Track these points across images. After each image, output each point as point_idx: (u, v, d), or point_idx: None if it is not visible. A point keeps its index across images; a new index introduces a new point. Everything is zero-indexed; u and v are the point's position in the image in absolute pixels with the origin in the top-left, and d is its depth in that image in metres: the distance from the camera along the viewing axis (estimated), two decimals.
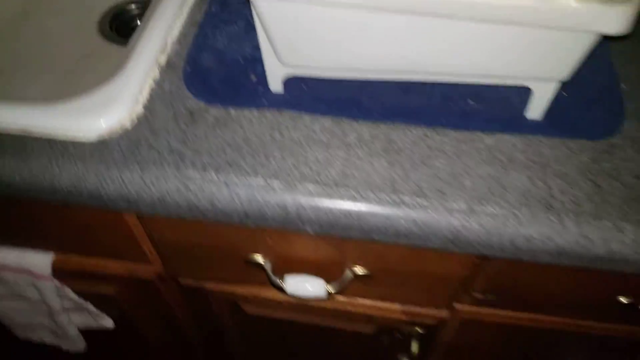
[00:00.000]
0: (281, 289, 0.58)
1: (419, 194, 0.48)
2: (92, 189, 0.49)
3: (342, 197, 0.47)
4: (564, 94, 0.56)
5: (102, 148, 0.51)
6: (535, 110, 0.53)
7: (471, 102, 0.55)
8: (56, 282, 0.73)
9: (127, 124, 0.52)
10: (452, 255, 0.54)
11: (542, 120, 0.54)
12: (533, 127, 0.53)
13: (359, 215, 0.47)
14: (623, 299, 0.58)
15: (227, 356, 0.92)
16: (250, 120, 0.53)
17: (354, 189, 0.48)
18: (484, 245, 0.48)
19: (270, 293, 0.69)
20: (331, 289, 0.58)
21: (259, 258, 0.59)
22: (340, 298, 0.67)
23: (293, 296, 0.59)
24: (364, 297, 0.66)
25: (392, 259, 0.56)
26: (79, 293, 0.77)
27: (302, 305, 0.69)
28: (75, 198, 0.51)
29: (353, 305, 0.68)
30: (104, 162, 0.50)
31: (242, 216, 0.49)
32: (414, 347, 0.71)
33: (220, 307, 0.76)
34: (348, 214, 0.47)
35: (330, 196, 0.48)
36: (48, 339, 0.90)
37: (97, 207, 0.51)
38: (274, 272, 0.59)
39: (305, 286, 0.57)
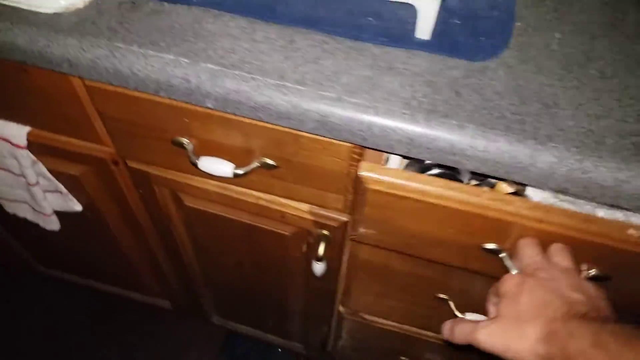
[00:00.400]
0: (196, 166, 0.68)
1: (300, 83, 0.56)
2: (42, 50, 0.60)
3: (235, 77, 0.57)
4: (458, 22, 0.63)
5: (55, 19, 0.62)
6: (422, 30, 0.61)
7: (370, 19, 0.63)
8: (31, 155, 0.85)
9: (81, 4, 0.63)
10: (338, 147, 0.62)
11: (430, 40, 0.61)
12: (418, 45, 0.61)
13: (247, 94, 0.57)
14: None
15: (177, 248, 1.03)
16: (178, 13, 0.63)
17: (247, 72, 0.57)
18: (347, 132, 0.56)
19: (200, 182, 0.79)
20: (238, 171, 0.67)
21: (183, 139, 0.69)
22: (256, 193, 0.77)
23: (205, 172, 0.69)
24: (276, 193, 0.76)
25: (292, 149, 0.65)
26: (50, 171, 0.89)
27: (229, 198, 0.79)
28: (30, 58, 0.62)
29: (267, 201, 0.77)
30: (53, 30, 0.60)
31: (155, 85, 0.59)
32: (321, 249, 0.80)
33: (163, 196, 0.87)
34: (238, 91, 0.57)
35: (226, 75, 0.57)
36: (29, 215, 1.04)
37: (46, 69, 0.62)
38: (194, 153, 0.69)
39: (215, 165, 0.67)
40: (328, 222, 0.77)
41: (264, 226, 0.84)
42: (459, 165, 0.56)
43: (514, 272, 0.56)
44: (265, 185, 0.74)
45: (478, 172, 0.56)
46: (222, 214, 0.85)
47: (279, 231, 0.84)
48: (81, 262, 1.29)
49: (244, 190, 0.78)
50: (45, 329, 1.53)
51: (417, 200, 0.58)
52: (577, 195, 0.55)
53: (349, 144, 0.61)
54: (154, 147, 0.74)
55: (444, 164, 0.57)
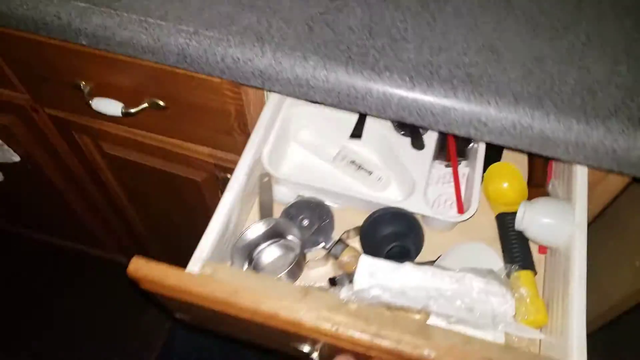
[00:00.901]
0: (90, 106, 0.73)
1: (163, 18, 0.60)
2: None
3: (102, 14, 0.60)
4: None
5: None
6: None
7: None
8: None
9: None
10: (211, 83, 0.65)
11: None
12: None
13: (113, 29, 0.60)
14: None
15: (114, 197, 1.08)
16: None
17: (114, 9, 0.60)
18: (205, 64, 0.59)
19: (111, 128, 0.83)
20: (130, 110, 0.71)
21: (80, 82, 0.73)
22: (159, 137, 0.81)
23: (97, 111, 0.73)
24: (175, 135, 0.80)
25: (173, 88, 0.68)
26: None
27: (137, 142, 0.84)
28: None
29: (171, 144, 0.81)
30: None
31: (33, 23, 0.63)
32: None
33: (86, 144, 0.91)
34: (104, 27, 0.60)
35: (93, 12, 0.60)
36: None
37: None
38: (90, 95, 0.73)
39: (105, 105, 0.71)
40: (229, 165, 0.81)
41: (176, 172, 0.88)
42: (309, 98, 0.59)
43: None
44: (163, 127, 0.78)
45: (326, 104, 0.59)
46: (139, 160, 0.89)
47: (191, 177, 0.88)
48: (35, 216, 1.36)
49: (147, 134, 0.82)
50: (7, 286, 1.59)
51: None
52: (415, 123, 0.57)
53: (219, 79, 0.64)
54: (60, 91, 0.78)
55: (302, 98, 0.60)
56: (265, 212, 0.67)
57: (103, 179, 1.02)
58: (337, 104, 0.58)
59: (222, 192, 0.87)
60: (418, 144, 0.69)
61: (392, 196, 0.70)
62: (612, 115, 0.52)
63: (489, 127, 0.54)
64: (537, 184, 0.70)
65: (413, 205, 0.64)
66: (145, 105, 0.72)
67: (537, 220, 0.61)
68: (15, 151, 1.01)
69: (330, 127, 0.73)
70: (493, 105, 0.53)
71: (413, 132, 0.70)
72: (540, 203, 0.62)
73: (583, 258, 0.55)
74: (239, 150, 0.77)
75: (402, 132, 0.71)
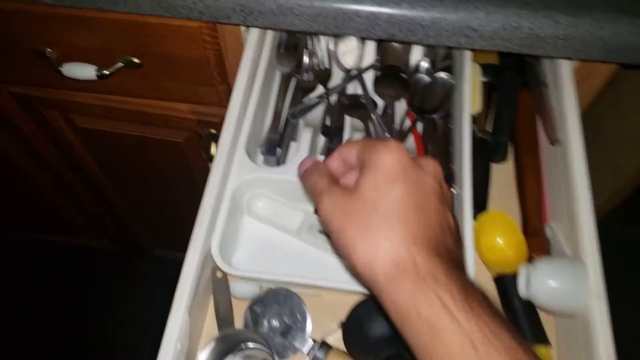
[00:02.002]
0: (60, 73, 0.69)
1: None
2: None
3: None
4: None
5: None
6: None
7: None
8: None
9: None
10: (187, 30, 0.63)
11: None
12: None
13: None
14: None
15: (88, 176, 1.04)
16: None
17: None
18: (182, 6, 0.57)
19: (81, 97, 0.80)
20: (104, 72, 0.68)
21: (45, 49, 0.69)
22: (135, 100, 0.78)
23: (69, 77, 0.69)
24: (152, 95, 0.77)
25: (145, 40, 0.65)
26: None
27: (112, 109, 0.80)
28: None
29: (147, 106, 0.79)
30: None
31: None
32: (213, 149, 0.81)
33: (55, 120, 0.87)
34: None
35: None
36: None
37: None
38: (57, 61, 0.69)
39: (78, 69, 0.68)
40: (211, 119, 0.79)
41: (155, 136, 0.86)
42: (295, 27, 0.57)
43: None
44: (139, 88, 0.75)
45: (311, 31, 0.58)
46: (114, 129, 0.86)
47: (171, 139, 0.86)
48: (5, 209, 1.30)
49: (122, 98, 0.79)
50: None
51: None
52: (405, 39, 0.57)
53: (196, 23, 0.62)
54: (23, 63, 0.73)
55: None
56: (223, 316, 0.53)
57: (76, 158, 0.98)
58: (324, 30, 0.57)
59: (207, 149, 0.86)
60: None
61: None
62: (598, 4, 0.53)
63: (479, 33, 0.54)
64: (534, 232, 0.59)
65: None
66: (120, 64, 0.68)
67: (545, 286, 0.51)
68: None
69: (288, 192, 0.60)
70: (482, 9, 0.53)
71: None
72: (545, 264, 0.52)
73: (607, 331, 0.48)
74: (220, 102, 0.76)
75: None
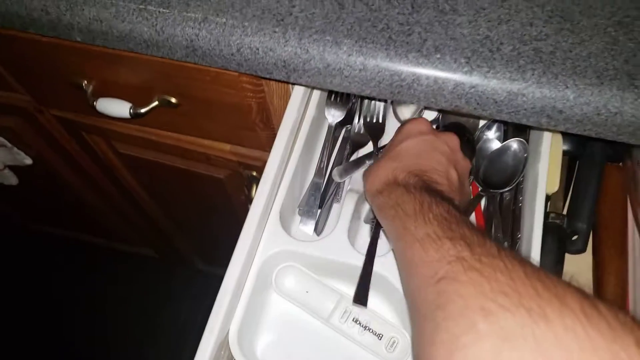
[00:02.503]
0: (94, 108, 0.65)
1: (165, 5, 0.51)
2: None
3: (95, 5, 0.51)
4: None
5: None
6: None
7: None
8: None
9: None
10: (227, 77, 0.57)
11: None
12: None
13: (109, 22, 0.52)
14: None
15: (132, 195, 1.02)
16: None
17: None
18: (218, 57, 0.51)
19: (122, 128, 0.76)
20: (139, 110, 0.63)
21: (81, 81, 0.65)
22: (175, 135, 0.73)
23: (102, 113, 0.65)
24: (192, 133, 0.72)
25: (184, 83, 0.60)
26: None
27: (152, 142, 0.76)
28: None
29: (189, 142, 0.74)
30: None
31: (18, 19, 0.54)
32: (253, 191, 0.76)
33: (97, 144, 0.84)
34: (99, 19, 0.52)
35: (85, 3, 0.52)
36: None
37: None
38: (92, 95, 0.65)
39: (112, 106, 0.63)
40: (252, 162, 0.73)
41: (197, 170, 0.81)
42: (343, 89, 0.50)
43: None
44: (178, 125, 0.70)
45: (363, 95, 0.50)
46: (156, 159, 0.82)
47: (213, 175, 0.81)
48: (53, 214, 1.31)
49: (162, 132, 0.74)
50: (37, 285, 1.58)
51: None
52: (474, 112, 0.48)
53: (236, 73, 0.56)
54: (62, 92, 0.70)
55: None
56: None
57: (120, 178, 0.95)
58: (377, 95, 0.49)
59: (248, 189, 0.80)
60: None
61: None
62: None
63: (565, 115, 0.45)
64: None
65: None
66: (156, 103, 0.63)
67: None
68: (26, 154, 0.95)
69: (323, 268, 0.54)
70: (571, 87, 0.44)
71: None
72: None
73: None
74: (263, 147, 0.70)
75: None
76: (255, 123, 0.64)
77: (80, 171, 0.97)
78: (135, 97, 0.64)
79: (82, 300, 1.54)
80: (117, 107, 0.63)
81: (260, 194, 0.52)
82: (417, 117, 0.55)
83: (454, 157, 0.50)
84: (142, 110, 0.63)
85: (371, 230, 0.57)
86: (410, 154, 0.48)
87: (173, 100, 0.63)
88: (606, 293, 0.51)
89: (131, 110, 0.63)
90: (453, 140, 0.51)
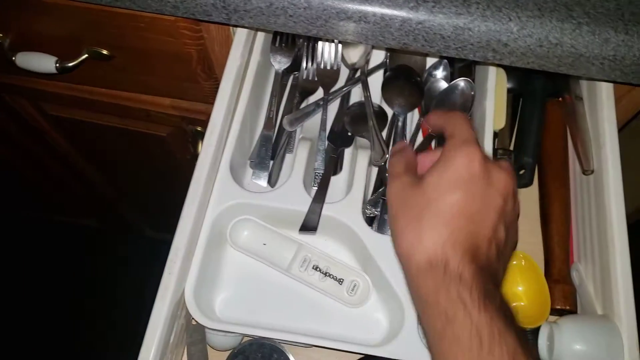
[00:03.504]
0: (13, 64, 0.59)
1: None
2: None
3: None
4: None
5: None
6: None
7: None
8: None
9: None
10: (163, 23, 0.53)
11: None
12: None
13: None
14: None
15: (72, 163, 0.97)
16: None
17: None
18: None
19: (49, 86, 0.70)
20: (65, 64, 0.58)
21: None
22: (111, 92, 0.69)
23: (23, 69, 0.59)
24: (129, 89, 0.68)
25: (116, 32, 0.56)
26: None
27: (85, 100, 0.71)
28: None
29: (126, 99, 0.69)
30: None
31: None
32: (199, 147, 0.73)
33: (24, 107, 0.78)
34: None
35: None
36: None
37: None
38: (11, 49, 0.60)
39: (35, 60, 0.58)
40: (196, 117, 0.70)
41: (137, 129, 0.77)
42: (288, 30, 0.48)
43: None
44: (113, 80, 0.66)
45: (309, 35, 0.48)
46: (91, 120, 0.77)
47: (155, 133, 0.77)
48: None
49: (96, 89, 0.69)
50: None
51: None
52: (421, 50, 0.47)
53: (172, 18, 0.52)
54: None
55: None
56: None
57: (52, 144, 0.89)
58: (324, 35, 0.47)
59: (193, 146, 0.77)
60: None
61: (373, 313, 0.51)
62: None
63: (510, 48, 0.45)
64: (559, 277, 0.51)
65: (406, 349, 0.45)
66: (85, 56, 0.59)
67: (569, 351, 0.44)
68: None
69: (279, 218, 0.52)
70: (515, 20, 0.44)
71: None
72: (571, 325, 0.45)
73: None
74: (206, 99, 0.67)
75: (370, 214, 0.53)
76: (197, 73, 0.61)
77: (7, 141, 0.90)
78: (62, 50, 0.59)
79: (28, 276, 1.47)
80: (40, 62, 0.58)
81: (208, 145, 0.49)
82: (466, 145, 0.39)
83: (506, 210, 0.39)
84: (70, 64, 0.59)
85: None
86: (464, 216, 0.37)
87: (104, 52, 0.59)
88: (552, 221, 0.53)
89: (57, 65, 0.58)
90: (508, 186, 0.39)
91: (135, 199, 1.15)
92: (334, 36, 0.47)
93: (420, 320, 0.38)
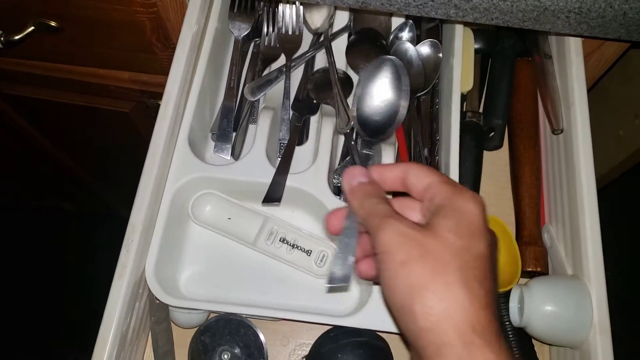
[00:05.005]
0: None
1: None
2: None
3: None
4: None
5: None
6: None
7: None
8: None
9: None
10: None
11: None
12: None
13: None
14: None
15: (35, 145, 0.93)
16: None
17: None
18: None
19: None
20: (9, 37, 0.55)
21: None
22: (65, 67, 0.66)
23: None
24: (84, 62, 0.64)
25: (68, 3, 0.52)
26: None
27: (39, 77, 0.68)
28: None
29: (82, 74, 0.66)
30: None
31: None
32: None
33: None
34: None
35: None
36: None
37: None
38: None
39: None
40: (157, 90, 0.67)
41: (99, 105, 0.74)
42: None
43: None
44: (66, 54, 0.63)
45: None
46: (49, 98, 0.74)
47: (117, 109, 0.74)
48: None
49: (49, 64, 0.66)
50: None
51: None
52: (381, 8, 0.45)
53: None
54: None
55: None
56: (163, 351, 0.45)
57: (13, 126, 0.86)
58: None
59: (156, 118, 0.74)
60: None
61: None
62: None
63: (472, 3, 0.43)
64: (530, 239, 0.51)
65: (376, 318, 0.43)
66: (32, 29, 0.55)
67: (540, 312, 0.43)
68: None
69: (242, 191, 0.51)
70: None
71: None
72: (541, 286, 0.45)
73: None
74: (164, 71, 0.64)
75: (337, 184, 0.52)
76: (152, 43, 0.58)
77: None
78: (5, 23, 0.56)
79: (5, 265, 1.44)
80: None
81: (163, 118, 0.47)
82: (467, 191, 0.33)
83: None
84: (16, 37, 0.55)
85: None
86: (491, 273, 0.32)
87: (52, 23, 0.56)
88: (522, 183, 0.53)
89: (2, 38, 0.55)
90: (495, 238, 0.33)
91: (106, 179, 1.12)
92: None
93: None
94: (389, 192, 0.36)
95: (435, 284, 0.29)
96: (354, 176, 0.35)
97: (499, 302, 0.30)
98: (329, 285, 0.33)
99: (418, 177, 0.34)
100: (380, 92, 0.38)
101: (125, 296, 0.41)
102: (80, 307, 1.40)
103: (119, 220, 1.54)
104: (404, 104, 0.38)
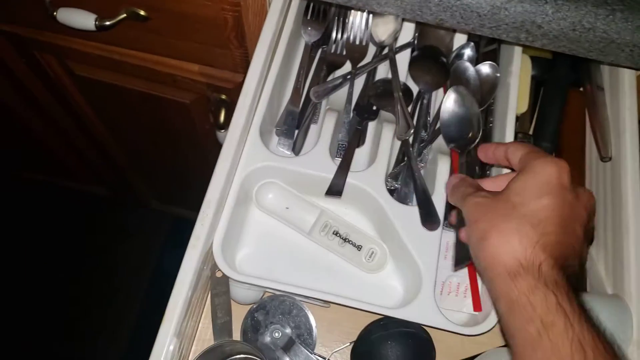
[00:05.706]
0: (55, 19, 0.60)
1: None
2: None
3: None
4: None
5: None
6: None
7: None
8: None
9: None
10: None
11: None
12: None
13: None
14: None
15: (87, 126, 0.98)
16: None
17: None
18: None
19: (80, 45, 0.72)
20: (103, 22, 0.60)
21: None
22: (141, 54, 0.70)
23: (63, 24, 0.61)
24: (160, 52, 0.69)
25: None
26: None
27: (114, 61, 0.72)
28: None
29: (155, 62, 0.71)
30: None
31: None
32: (222, 116, 0.75)
33: (51, 65, 0.79)
34: None
35: None
36: None
37: None
38: (52, 4, 0.61)
39: (75, 16, 0.59)
40: (222, 84, 0.71)
41: (161, 94, 0.78)
42: None
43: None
44: (145, 43, 0.67)
45: (350, 5, 0.50)
46: (115, 82, 0.78)
47: (178, 99, 0.79)
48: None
49: (125, 51, 0.71)
50: None
51: None
52: (456, 27, 0.49)
53: None
54: (15, 1, 0.65)
55: None
56: (221, 322, 0.48)
57: (73, 104, 0.91)
58: (363, 6, 0.49)
59: (215, 114, 0.79)
60: (430, 218, 0.50)
61: (389, 281, 0.53)
62: None
63: (543, 30, 0.46)
64: None
65: (422, 313, 0.47)
66: (123, 15, 0.60)
67: None
68: None
69: (304, 184, 0.54)
70: (550, 2, 0.45)
71: (423, 203, 0.51)
72: None
73: None
74: (235, 67, 0.68)
75: (390, 187, 0.55)
76: (229, 39, 0.62)
77: (29, 98, 0.91)
78: (101, 8, 0.60)
79: (33, 241, 1.49)
80: (81, 18, 0.60)
81: (242, 107, 0.51)
82: (553, 158, 0.40)
83: (588, 227, 0.41)
84: (109, 23, 0.60)
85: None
86: (554, 224, 0.37)
87: (142, 12, 0.60)
88: None
89: (97, 22, 0.60)
90: (591, 202, 0.41)
91: (146, 168, 1.16)
92: (372, 7, 0.49)
93: (504, 322, 0.37)
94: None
95: (491, 234, 0.37)
96: (450, 181, 0.48)
97: (564, 244, 0.37)
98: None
99: (514, 152, 0.43)
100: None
101: (197, 265, 0.45)
102: (93, 298, 1.43)
103: (147, 211, 1.58)
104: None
